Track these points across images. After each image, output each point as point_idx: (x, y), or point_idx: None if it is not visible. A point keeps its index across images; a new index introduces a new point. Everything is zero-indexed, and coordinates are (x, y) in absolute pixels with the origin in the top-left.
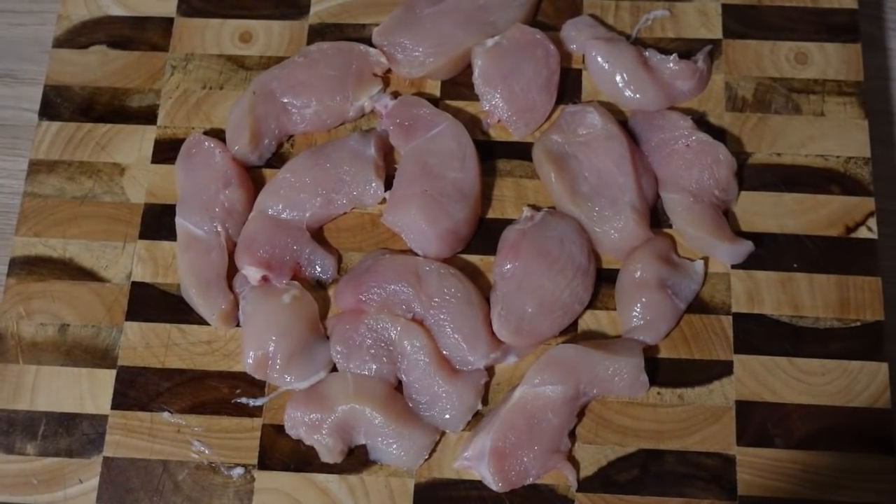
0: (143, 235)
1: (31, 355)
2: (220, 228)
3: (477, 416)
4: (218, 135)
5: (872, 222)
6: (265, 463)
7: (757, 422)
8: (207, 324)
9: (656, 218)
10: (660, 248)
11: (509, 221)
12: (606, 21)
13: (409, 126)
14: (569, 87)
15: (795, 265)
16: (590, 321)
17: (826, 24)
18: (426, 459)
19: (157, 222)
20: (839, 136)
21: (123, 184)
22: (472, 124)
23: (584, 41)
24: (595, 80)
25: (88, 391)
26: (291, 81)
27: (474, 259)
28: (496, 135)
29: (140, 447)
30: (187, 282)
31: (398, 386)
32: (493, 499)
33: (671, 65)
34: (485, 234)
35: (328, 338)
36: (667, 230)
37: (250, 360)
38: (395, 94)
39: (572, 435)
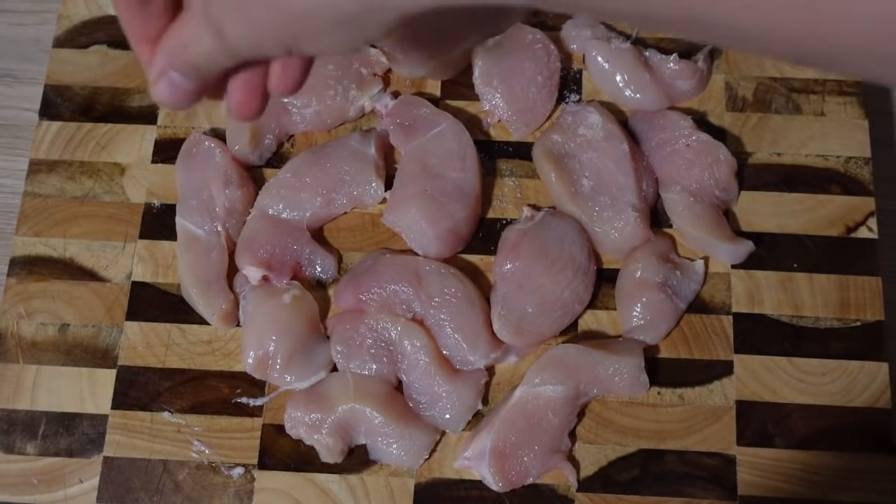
0: (143, 235)
1: (31, 355)
2: (220, 228)
3: (477, 416)
4: (218, 135)
5: (873, 222)
6: (265, 463)
7: (757, 422)
8: (207, 324)
9: (656, 218)
10: (660, 248)
11: (509, 221)
12: (606, 21)
13: (410, 126)
14: (569, 87)
15: (795, 265)
16: (590, 321)
17: None
18: (426, 459)
19: (158, 222)
20: (839, 136)
21: (124, 184)
22: (472, 124)
23: (584, 41)
24: (595, 80)
25: (89, 391)
26: None
27: (474, 259)
28: (496, 135)
29: (140, 447)
30: (187, 282)
31: (398, 386)
32: (494, 498)
33: (671, 65)
34: (485, 234)
35: (328, 338)
36: (667, 230)
37: (250, 360)
38: (395, 94)
39: (572, 435)
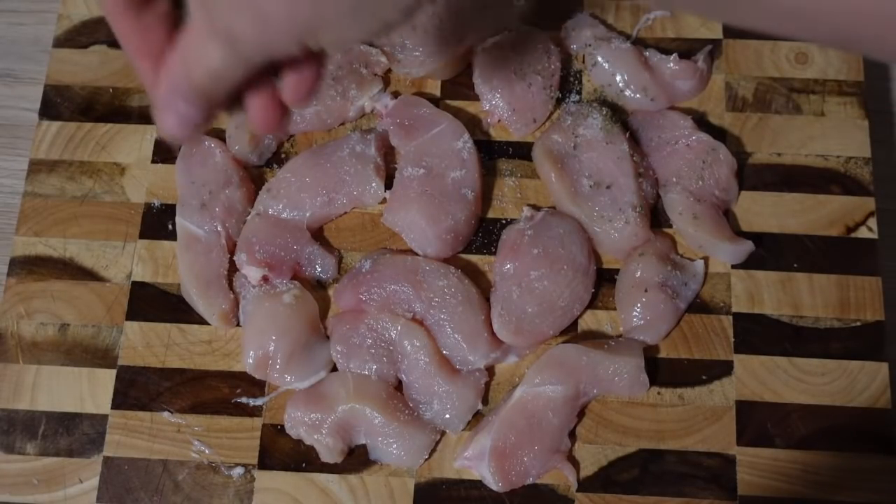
0: (143, 235)
1: (31, 355)
2: (220, 228)
3: (477, 416)
4: (218, 134)
5: (872, 222)
6: (265, 463)
7: (757, 422)
8: (207, 323)
9: (656, 218)
10: (660, 248)
11: (509, 221)
12: (606, 21)
13: (410, 126)
14: (569, 87)
15: (795, 265)
16: (590, 321)
17: None
18: (426, 459)
19: (158, 222)
20: (839, 136)
21: (124, 183)
22: (473, 124)
23: (584, 41)
24: (595, 80)
25: (88, 391)
26: None
27: (474, 259)
28: (496, 135)
29: (140, 447)
30: (187, 281)
31: (398, 386)
32: (494, 498)
33: (671, 64)
34: (485, 234)
35: (328, 338)
36: (667, 230)
37: (250, 360)
38: (395, 94)
39: (572, 435)
